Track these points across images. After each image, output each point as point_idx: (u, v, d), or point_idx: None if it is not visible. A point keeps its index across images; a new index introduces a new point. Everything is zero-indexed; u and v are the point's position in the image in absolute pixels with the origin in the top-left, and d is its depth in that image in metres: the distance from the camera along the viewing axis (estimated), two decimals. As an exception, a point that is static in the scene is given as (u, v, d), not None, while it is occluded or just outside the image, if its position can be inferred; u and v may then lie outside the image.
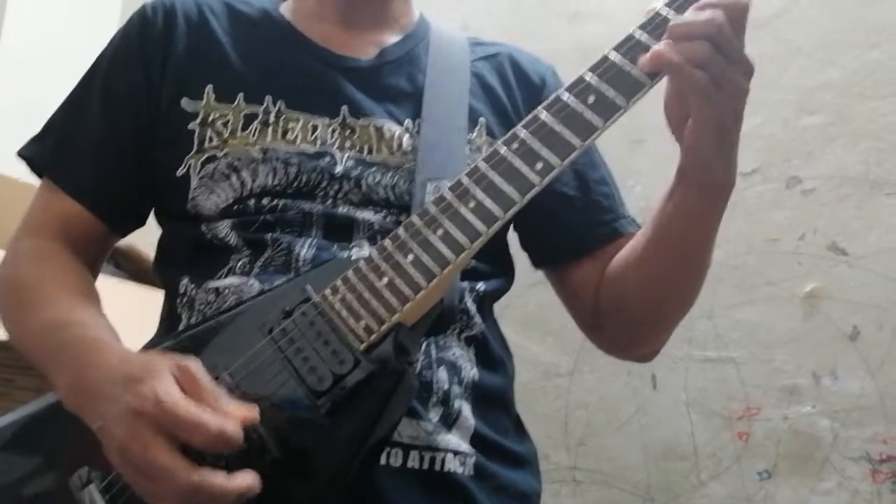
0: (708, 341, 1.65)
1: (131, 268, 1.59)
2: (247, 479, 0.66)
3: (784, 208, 1.62)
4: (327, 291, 0.76)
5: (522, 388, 0.98)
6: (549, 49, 1.22)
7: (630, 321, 0.97)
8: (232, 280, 0.88)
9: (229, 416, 0.67)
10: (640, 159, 1.67)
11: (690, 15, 0.73)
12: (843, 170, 1.58)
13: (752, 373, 1.60)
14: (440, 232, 0.74)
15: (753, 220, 1.63)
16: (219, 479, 0.65)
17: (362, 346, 0.73)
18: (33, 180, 1.03)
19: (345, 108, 0.95)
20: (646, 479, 1.66)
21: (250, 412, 0.69)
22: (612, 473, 1.69)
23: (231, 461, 0.67)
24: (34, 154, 1.00)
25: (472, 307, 0.92)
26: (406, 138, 0.94)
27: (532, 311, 1.76)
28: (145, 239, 1.28)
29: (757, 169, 1.63)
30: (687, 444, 1.63)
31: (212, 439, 0.65)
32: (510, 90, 1.04)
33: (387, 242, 0.76)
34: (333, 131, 0.93)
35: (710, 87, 0.72)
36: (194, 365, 0.70)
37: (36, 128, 1.02)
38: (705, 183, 0.81)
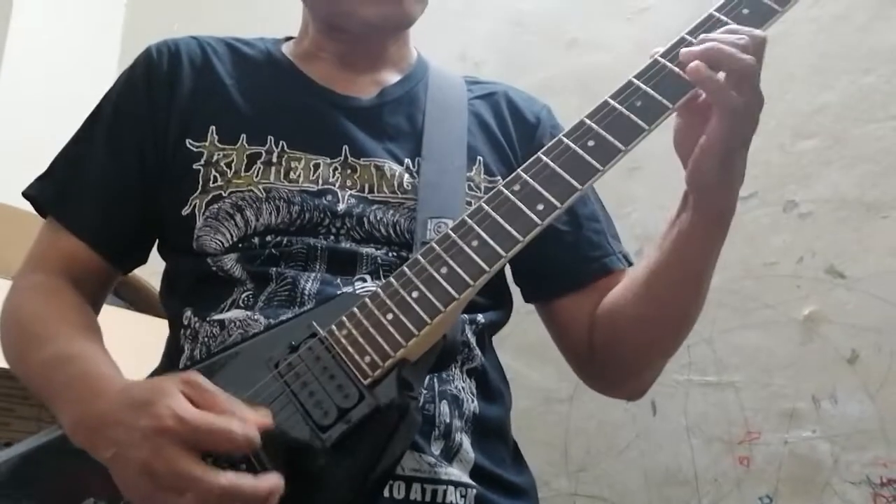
0: (707, 366, 1.65)
1: (131, 297, 1.59)
2: (273, 479, 0.67)
3: (781, 232, 1.63)
4: (333, 327, 0.77)
5: (522, 414, 0.99)
6: (547, 77, 1.24)
7: (624, 352, 0.98)
8: (236, 313, 0.89)
9: (248, 420, 0.68)
10: (636, 186, 1.68)
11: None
12: (840, 193, 1.59)
13: (751, 397, 1.60)
14: (444, 270, 0.75)
15: (751, 244, 1.63)
16: (248, 480, 0.66)
17: (367, 381, 0.73)
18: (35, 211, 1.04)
19: (346, 148, 0.96)
20: (647, 505, 1.65)
21: (265, 417, 0.70)
22: (612, 499, 1.69)
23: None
24: (39, 193, 1.02)
25: (472, 339, 0.93)
26: (406, 178, 0.95)
27: (531, 338, 1.75)
28: (147, 268, 1.29)
29: (754, 193, 1.64)
30: (688, 470, 1.63)
31: (239, 443, 0.66)
32: (506, 128, 1.06)
33: (392, 279, 0.77)
34: (335, 170, 0.95)
35: (741, 103, 0.75)
36: (199, 376, 0.71)
37: (36, 159, 1.03)
38: (708, 209, 0.84)
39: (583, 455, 1.73)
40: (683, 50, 0.77)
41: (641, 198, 1.68)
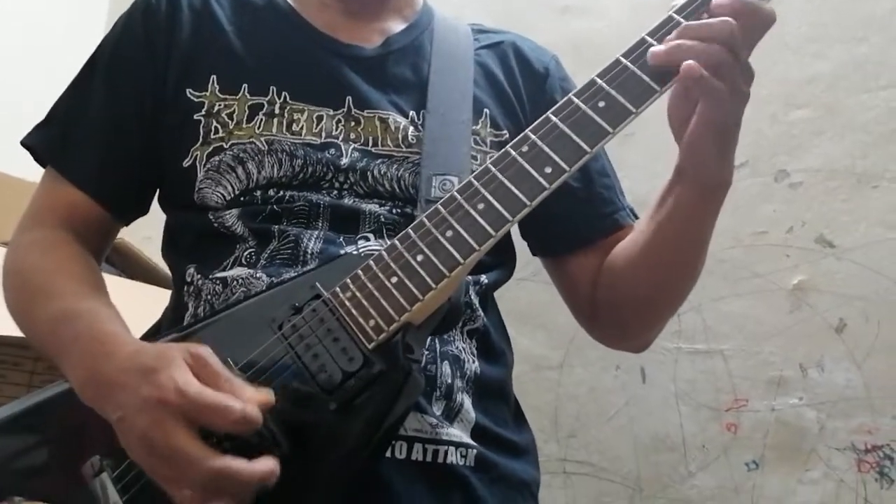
0: (696, 334, 1.66)
1: (123, 264, 1.58)
2: (268, 464, 0.67)
3: (772, 202, 1.64)
4: (337, 289, 0.76)
5: (513, 381, 0.99)
6: (539, 43, 1.22)
7: (626, 313, 0.98)
8: (239, 271, 0.88)
9: (248, 398, 0.67)
10: (629, 153, 1.68)
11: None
12: (831, 163, 1.60)
13: (739, 365, 1.62)
14: (450, 233, 0.74)
15: (742, 213, 1.64)
16: (241, 463, 0.66)
17: (371, 345, 0.73)
18: (31, 177, 1.02)
19: (349, 100, 0.94)
20: (635, 471, 1.67)
21: (267, 395, 0.70)
22: (601, 465, 1.71)
23: (241, 455, 0.67)
24: (38, 143, 0.99)
25: (475, 300, 0.92)
26: (411, 131, 0.94)
27: (522, 305, 1.76)
28: (139, 233, 1.27)
29: (745, 163, 1.65)
30: (676, 436, 1.65)
31: (237, 422, 0.66)
32: (514, 79, 1.03)
33: (396, 242, 0.76)
34: (338, 122, 0.93)
35: (724, 91, 0.73)
36: (206, 351, 0.70)
37: (24, 124, 1.01)
38: (703, 184, 0.83)
39: (572, 421, 1.75)
40: (651, 50, 0.74)
41: (635, 165, 1.68)
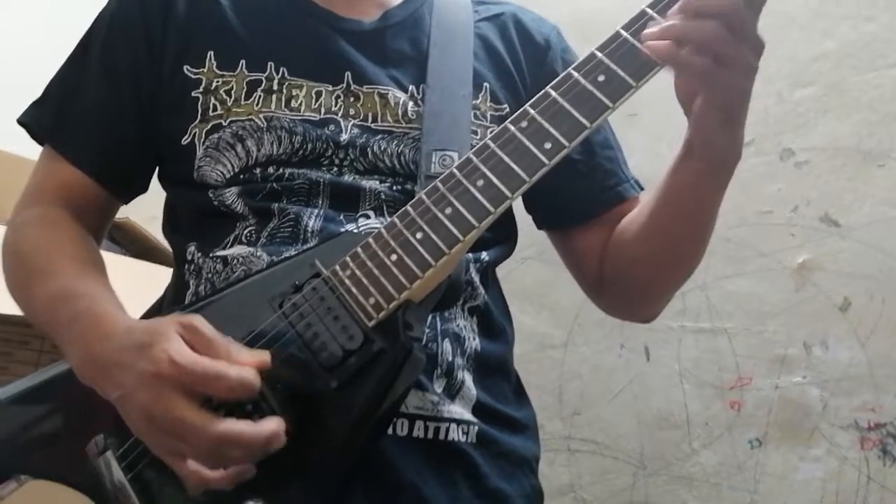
0: (700, 312, 1.66)
1: (127, 242, 1.58)
2: (272, 425, 0.67)
3: (777, 180, 1.63)
4: (337, 267, 0.76)
5: (517, 359, 0.99)
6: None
7: (632, 286, 0.98)
8: (239, 249, 0.88)
9: (244, 363, 0.68)
10: (634, 133, 1.67)
11: None
12: (836, 141, 1.59)
13: (743, 343, 1.62)
14: (449, 210, 0.74)
15: (747, 192, 1.64)
16: (246, 426, 0.66)
17: (371, 323, 0.73)
18: (29, 154, 1.02)
19: (348, 75, 0.94)
20: (639, 448, 1.68)
21: (262, 357, 0.70)
22: (605, 442, 1.72)
23: None
24: (34, 121, 0.99)
25: (475, 277, 0.92)
26: (411, 106, 0.93)
27: (527, 283, 1.77)
28: (145, 212, 1.28)
29: (750, 141, 1.64)
30: (679, 414, 1.65)
31: (233, 387, 0.66)
32: (514, 52, 1.02)
33: (396, 220, 0.76)
34: (337, 98, 0.93)
35: (709, 71, 0.72)
36: (198, 319, 0.71)
37: (24, 100, 1.01)
38: (711, 158, 0.82)
39: (577, 399, 1.76)
40: (644, 33, 0.73)
41: (639, 146, 1.67)
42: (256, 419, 0.68)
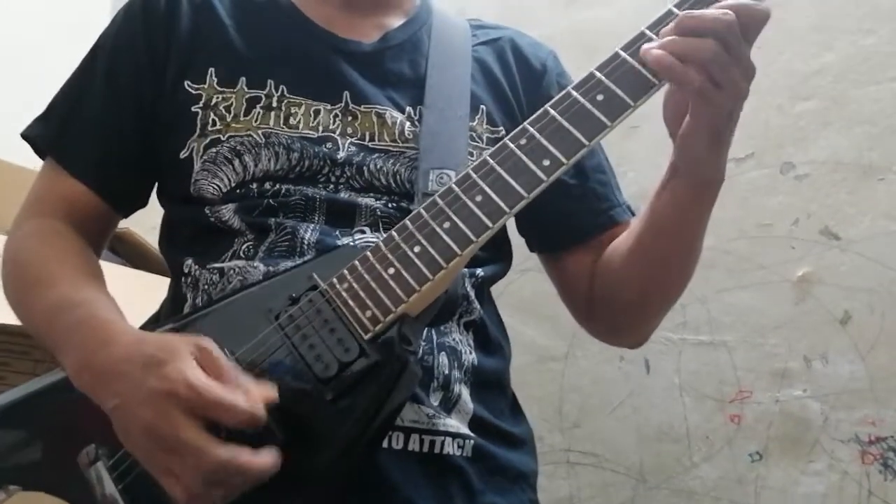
0: (700, 325, 1.66)
1: (128, 253, 1.58)
2: (271, 457, 0.68)
3: (777, 193, 1.63)
4: (334, 280, 0.76)
5: (517, 371, 1.00)
6: (545, 34, 1.22)
7: (622, 309, 0.99)
8: (236, 262, 0.88)
9: (254, 396, 0.68)
10: (633, 146, 1.68)
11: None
12: (837, 155, 1.59)
13: (744, 356, 1.61)
14: (447, 225, 0.74)
15: (747, 205, 1.64)
16: (248, 455, 0.67)
17: (368, 336, 0.73)
18: (32, 165, 1.02)
19: (346, 95, 0.95)
20: (639, 461, 1.68)
21: (271, 392, 0.70)
22: (605, 455, 1.71)
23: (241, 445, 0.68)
24: (37, 134, 1.00)
25: (471, 293, 0.93)
26: (408, 126, 0.94)
27: (526, 295, 1.77)
28: (146, 223, 1.28)
29: (751, 154, 1.64)
30: (679, 427, 1.65)
31: (243, 419, 0.67)
32: (511, 76, 1.04)
33: (393, 233, 0.76)
34: (335, 117, 0.93)
35: (707, 88, 0.73)
36: (211, 345, 0.71)
37: (27, 111, 1.02)
38: (696, 179, 0.84)
39: (576, 412, 1.75)
40: (643, 48, 0.74)
41: (639, 158, 1.68)
42: (252, 433, 0.68)
